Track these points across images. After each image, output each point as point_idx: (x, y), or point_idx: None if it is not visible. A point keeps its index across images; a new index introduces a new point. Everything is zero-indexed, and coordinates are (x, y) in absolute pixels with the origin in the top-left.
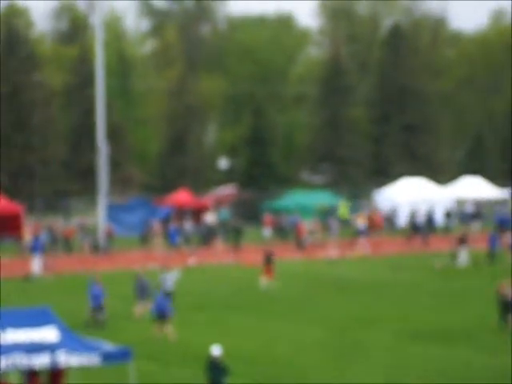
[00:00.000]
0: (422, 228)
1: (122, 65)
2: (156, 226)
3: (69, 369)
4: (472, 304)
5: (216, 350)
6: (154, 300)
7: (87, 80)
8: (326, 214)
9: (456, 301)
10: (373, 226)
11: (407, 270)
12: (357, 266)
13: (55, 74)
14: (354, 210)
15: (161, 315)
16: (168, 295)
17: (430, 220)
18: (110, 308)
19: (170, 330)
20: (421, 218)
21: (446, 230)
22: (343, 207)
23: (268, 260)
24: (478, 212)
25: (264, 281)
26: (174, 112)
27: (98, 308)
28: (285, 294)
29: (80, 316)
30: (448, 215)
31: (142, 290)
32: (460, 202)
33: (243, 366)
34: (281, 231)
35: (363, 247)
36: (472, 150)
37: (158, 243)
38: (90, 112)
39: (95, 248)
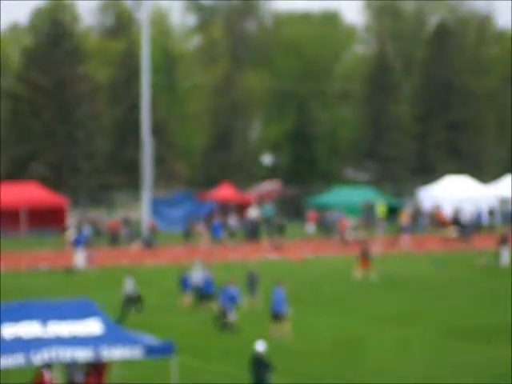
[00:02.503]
0: (466, 226)
1: (167, 60)
2: (199, 226)
3: (111, 362)
4: None
5: (260, 346)
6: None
7: (133, 75)
8: (369, 211)
9: (497, 299)
10: (439, 224)
11: (450, 267)
12: (400, 262)
13: (101, 68)
14: (398, 207)
15: (276, 314)
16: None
17: (478, 219)
18: (153, 302)
19: (286, 329)
20: (466, 216)
21: (490, 228)
22: (381, 206)
23: (364, 254)
24: None
25: (359, 273)
26: (218, 108)
27: (231, 309)
28: (328, 290)
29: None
30: (491, 214)
31: (252, 284)
32: (503, 201)
33: (286, 361)
34: (324, 227)
35: (406, 244)
36: None
37: (204, 239)
38: (135, 107)
39: (142, 243)
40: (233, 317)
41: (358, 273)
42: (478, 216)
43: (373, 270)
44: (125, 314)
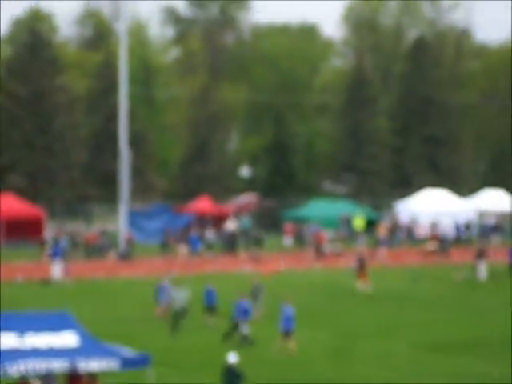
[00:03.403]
0: (445, 240)
1: (145, 72)
2: (176, 239)
3: (90, 374)
4: (490, 316)
5: (232, 357)
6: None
7: (110, 86)
8: (347, 223)
9: (474, 313)
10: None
11: (427, 280)
12: (376, 275)
13: (79, 79)
14: (375, 220)
15: (287, 331)
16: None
17: (456, 232)
18: (130, 313)
19: (292, 345)
20: (443, 230)
21: (467, 242)
22: (359, 220)
23: (361, 265)
24: (499, 225)
25: (360, 285)
26: (196, 120)
27: (244, 323)
28: (304, 303)
29: (99, 321)
30: (468, 227)
31: (255, 297)
32: (481, 215)
33: (260, 372)
34: (301, 240)
35: (383, 257)
36: (494, 162)
37: (181, 251)
38: (112, 118)
39: (119, 255)
40: (246, 330)
41: (359, 286)
42: (456, 229)
43: (368, 282)
44: (175, 325)
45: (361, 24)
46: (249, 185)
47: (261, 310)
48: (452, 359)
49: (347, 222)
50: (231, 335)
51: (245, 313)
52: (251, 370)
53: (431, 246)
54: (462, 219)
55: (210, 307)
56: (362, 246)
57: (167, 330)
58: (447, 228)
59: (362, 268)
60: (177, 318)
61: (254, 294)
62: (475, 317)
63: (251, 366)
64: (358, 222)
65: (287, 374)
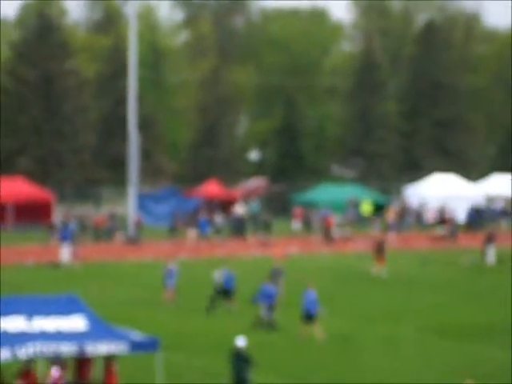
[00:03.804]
0: (453, 224)
1: (154, 55)
2: (185, 223)
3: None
4: (498, 301)
5: (241, 341)
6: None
7: (120, 69)
8: (355, 208)
9: (482, 297)
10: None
11: (436, 265)
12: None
13: (88, 62)
14: (384, 204)
15: (308, 315)
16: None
17: (467, 217)
18: (138, 297)
19: (317, 329)
20: (451, 214)
21: (477, 227)
22: (366, 205)
23: (379, 249)
24: (508, 209)
25: (376, 268)
26: (205, 103)
27: (269, 308)
28: (315, 287)
29: (107, 304)
30: (477, 212)
31: (275, 281)
32: (489, 199)
33: (269, 357)
34: (310, 224)
35: (392, 242)
36: (504, 146)
37: (191, 235)
38: (121, 102)
39: (127, 239)
40: (267, 315)
41: (374, 269)
42: (469, 215)
43: (385, 266)
44: (212, 304)
45: (370, 8)
46: (258, 168)
47: (283, 294)
48: (460, 343)
49: (354, 206)
50: (260, 322)
51: (269, 298)
52: (258, 354)
53: (441, 230)
54: (471, 204)
55: (228, 291)
56: (376, 231)
57: (204, 310)
58: (456, 212)
59: (380, 252)
60: (215, 298)
61: (274, 278)
62: (483, 301)
63: (259, 349)
64: (366, 208)
65: (292, 358)
